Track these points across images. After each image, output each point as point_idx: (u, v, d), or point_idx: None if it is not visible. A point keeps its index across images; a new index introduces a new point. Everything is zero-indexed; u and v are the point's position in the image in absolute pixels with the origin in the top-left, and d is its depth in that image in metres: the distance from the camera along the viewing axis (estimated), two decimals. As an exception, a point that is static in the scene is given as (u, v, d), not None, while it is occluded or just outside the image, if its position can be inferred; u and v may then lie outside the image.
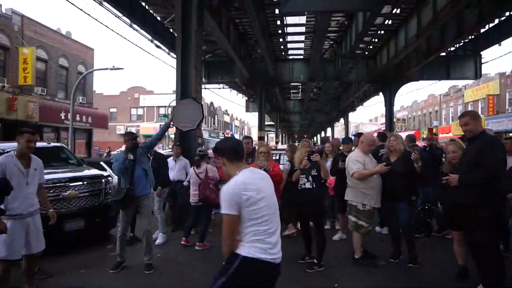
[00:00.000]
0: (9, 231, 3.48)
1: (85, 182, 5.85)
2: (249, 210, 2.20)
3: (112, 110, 38.73)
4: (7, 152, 3.97)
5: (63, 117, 18.62)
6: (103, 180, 6.10)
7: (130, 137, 4.89)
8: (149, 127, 39.08)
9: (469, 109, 32.04)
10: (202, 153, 6.07)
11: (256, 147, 5.88)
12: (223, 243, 2.26)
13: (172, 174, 6.78)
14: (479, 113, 30.02)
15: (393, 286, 4.15)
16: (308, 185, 4.71)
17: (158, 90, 42.01)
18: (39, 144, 7.62)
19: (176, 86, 7.72)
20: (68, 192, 5.38)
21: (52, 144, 7.41)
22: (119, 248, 4.78)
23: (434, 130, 28.02)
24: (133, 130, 39.64)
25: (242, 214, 2.20)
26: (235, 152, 2.40)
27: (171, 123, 5.37)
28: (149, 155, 5.53)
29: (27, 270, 3.89)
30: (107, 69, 14.70)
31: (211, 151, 7.86)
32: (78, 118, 18.99)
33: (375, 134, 6.94)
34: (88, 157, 21.14)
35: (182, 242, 5.85)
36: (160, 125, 38.21)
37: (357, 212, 4.74)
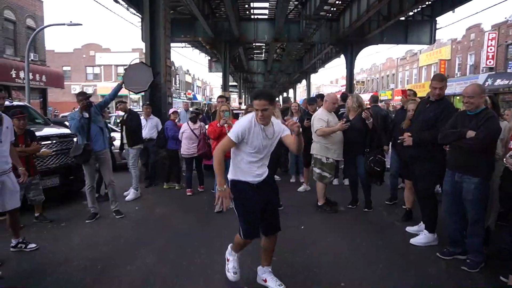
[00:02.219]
0: None
1: (57, 141, 5.89)
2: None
3: (65, 68, 36.41)
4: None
5: (13, 75, 17.45)
6: (74, 139, 6.13)
7: (84, 97, 5.12)
8: (107, 87, 37.28)
9: (423, 73, 33.73)
10: (197, 111, 6.39)
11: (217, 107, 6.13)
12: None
13: (144, 133, 6.92)
14: (431, 77, 31.76)
15: (351, 227, 4.78)
16: None
17: (115, 48, 39.80)
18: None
19: (145, 46, 7.59)
20: (41, 150, 5.38)
21: (15, 103, 7.18)
22: (90, 200, 5.17)
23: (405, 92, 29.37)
24: (90, 89, 37.76)
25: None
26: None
27: (123, 84, 5.59)
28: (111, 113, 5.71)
29: (11, 224, 4.00)
30: (64, 24, 13.75)
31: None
32: (31, 76, 17.86)
33: (338, 95, 7.42)
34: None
35: (188, 193, 6.41)
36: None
37: (321, 165, 5.27)
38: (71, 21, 13.61)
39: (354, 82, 30.51)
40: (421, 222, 4.38)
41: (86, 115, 4.98)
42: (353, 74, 22.46)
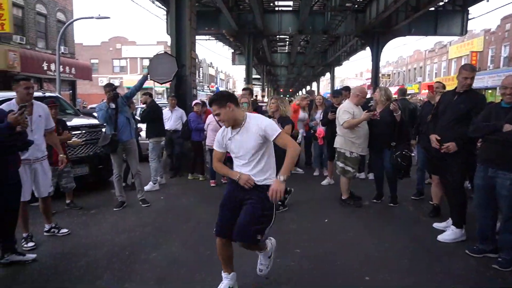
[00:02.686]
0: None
1: (86, 131, 6.08)
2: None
3: (93, 61, 37.34)
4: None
5: (45, 68, 18.08)
6: (102, 130, 6.30)
7: (110, 88, 5.26)
8: (133, 79, 38.08)
9: (452, 65, 32.54)
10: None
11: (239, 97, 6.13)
12: (291, 145, 2.68)
13: (169, 124, 7.04)
14: (462, 69, 30.55)
15: (375, 221, 4.71)
16: None
17: (141, 41, 40.54)
18: (37, 94, 7.69)
19: (171, 38, 7.69)
20: (72, 139, 5.56)
21: (48, 94, 7.44)
22: (118, 189, 5.31)
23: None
24: (116, 82, 38.71)
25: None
26: (237, 100, 2.89)
27: (148, 76, 5.68)
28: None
29: (44, 210, 4.18)
30: (92, 17, 14.12)
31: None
32: (61, 69, 18.46)
33: (366, 88, 7.29)
34: (74, 109, 20.87)
35: (212, 185, 6.49)
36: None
37: (345, 159, 5.19)
38: (99, 15, 13.94)
39: (380, 75, 29.82)
40: (450, 219, 4.26)
41: (113, 105, 5.12)
42: (378, 67, 21.95)
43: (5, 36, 15.96)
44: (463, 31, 19.49)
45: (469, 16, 19.04)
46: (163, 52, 6.18)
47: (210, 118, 6.49)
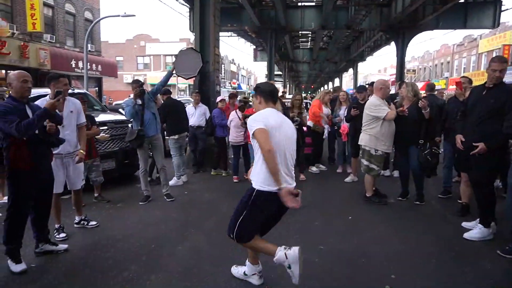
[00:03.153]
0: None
1: (113, 126, 6.24)
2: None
3: (118, 58, 38.27)
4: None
5: (73, 65, 18.68)
6: (129, 125, 6.45)
7: (137, 85, 5.37)
8: (156, 76, 38.83)
9: (482, 60, 31.31)
10: (245, 100, 6.52)
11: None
12: (267, 155, 2.53)
13: (193, 120, 7.13)
14: (492, 64, 29.35)
15: (401, 219, 4.62)
16: None
17: (164, 38, 41.21)
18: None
19: (195, 34, 7.77)
20: (99, 134, 5.72)
21: (77, 90, 7.68)
22: (144, 183, 5.42)
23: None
24: (140, 79, 39.51)
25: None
26: (273, 95, 2.84)
27: (174, 71, 5.75)
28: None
29: (75, 202, 4.34)
30: (118, 16, 14.45)
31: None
32: (88, 66, 19.02)
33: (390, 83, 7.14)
34: (100, 105, 21.46)
35: (235, 180, 6.58)
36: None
37: (370, 157, 5.09)
38: (125, 13, 14.24)
39: (405, 70, 29.09)
40: (479, 218, 4.13)
41: (140, 102, 5.24)
42: (404, 62, 21.43)
43: (37, 35, 16.59)
44: (495, 24, 18.68)
45: (502, 8, 18.24)
46: (188, 47, 6.23)
47: (233, 115, 6.54)
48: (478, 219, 4.09)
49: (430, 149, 4.78)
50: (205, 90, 7.69)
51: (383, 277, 3.13)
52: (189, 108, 7.23)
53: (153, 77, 38.91)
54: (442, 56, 39.87)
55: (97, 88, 22.11)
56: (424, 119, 4.86)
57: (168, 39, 39.72)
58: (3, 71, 15.52)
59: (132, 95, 5.37)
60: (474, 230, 3.92)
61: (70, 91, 7.33)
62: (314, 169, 7.27)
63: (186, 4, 16.40)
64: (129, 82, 39.44)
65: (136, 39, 40.18)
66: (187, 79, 6.48)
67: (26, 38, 15.93)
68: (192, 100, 7.48)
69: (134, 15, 14.19)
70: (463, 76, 5.84)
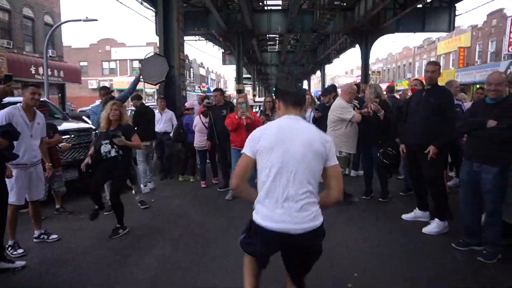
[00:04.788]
0: (15, 179, 3.73)
1: (75, 135, 6.04)
2: (259, 158, 2.07)
3: (82, 63, 37.01)
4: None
5: (33, 72, 17.90)
6: (92, 133, 6.27)
7: (105, 91, 5.30)
8: (123, 81, 37.86)
9: (441, 61, 32.90)
10: (209, 105, 6.44)
11: (235, 99, 6.15)
12: (232, 176, 2.43)
13: (159, 127, 7.03)
14: (450, 65, 30.93)
15: (365, 218, 4.76)
16: (113, 153, 4.23)
17: (130, 42, 40.33)
18: (21, 99, 7.61)
19: (159, 40, 7.66)
20: (61, 143, 5.52)
21: (35, 98, 7.38)
22: (108, 192, 5.19)
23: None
24: (106, 84, 38.45)
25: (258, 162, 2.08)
26: (295, 98, 2.18)
27: (141, 78, 5.70)
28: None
29: (34, 215, 4.15)
30: (80, 20, 14.00)
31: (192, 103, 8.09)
32: (49, 72, 18.30)
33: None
34: (64, 112, 20.67)
35: (203, 186, 6.51)
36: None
37: (335, 158, 5.22)
38: (86, 17, 13.83)
39: (370, 72, 30.06)
40: (416, 209, 4.53)
41: None
42: (368, 64, 22.12)
43: (-9, 41, 15.79)
44: (450, 27, 19.72)
45: (456, 13, 19.27)
46: (153, 53, 6.18)
47: (197, 119, 6.51)
48: (416, 210, 4.51)
49: (385, 150, 4.98)
50: (170, 95, 7.60)
51: (346, 277, 3.22)
52: (155, 114, 7.12)
53: (120, 82, 37.91)
54: (404, 58, 41.50)
55: (59, 95, 21.29)
56: (381, 121, 5.06)
57: (134, 43, 38.82)
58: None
59: (98, 101, 5.24)
60: (432, 225, 4.13)
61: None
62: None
63: (151, 8, 16.15)
64: (95, 87, 38.33)
65: (101, 43, 39.03)
66: (155, 84, 6.45)
67: (-20, 44, 15.12)
68: (158, 106, 7.36)
69: (96, 20, 13.81)
70: (415, 79, 6.15)
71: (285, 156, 2.01)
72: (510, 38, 22.88)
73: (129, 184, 6.37)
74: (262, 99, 23.37)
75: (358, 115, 5.08)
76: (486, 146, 3.36)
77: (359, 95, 6.80)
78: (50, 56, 19.36)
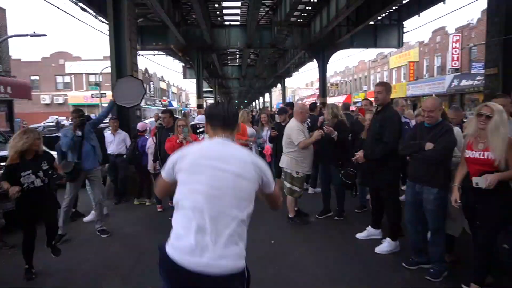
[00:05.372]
0: None
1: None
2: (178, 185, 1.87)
3: (33, 78, 35.23)
4: None
5: (-25, 88, 16.72)
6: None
7: (78, 114, 5.08)
8: (79, 96, 36.49)
9: (393, 74, 34.73)
10: (161, 126, 6.22)
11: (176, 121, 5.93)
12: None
13: (112, 148, 6.75)
14: (402, 78, 32.66)
15: (321, 238, 4.81)
16: (38, 183, 3.85)
17: (86, 56, 38.95)
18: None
19: (111, 59, 7.43)
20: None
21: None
22: (63, 221, 4.91)
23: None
24: (60, 99, 36.78)
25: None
26: (222, 121, 1.96)
27: (114, 101, 5.50)
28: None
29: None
30: (27, 35, 13.31)
31: (147, 122, 7.87)
32: (-5, 88, 17.17)
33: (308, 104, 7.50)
34: (11, 131, 19.41)
35: (159, 210, 6.27)
36: (91, 95, 35.73)
37: (291, 179, 5.24)
38: (34, 32, 13.19)
39: (328, 85, 31.06)
40: (369, 226, 4.67)
41: (79, 133, 4.96)
42: (325, 77, 22.84)
43: None
44: (399, 43, 20.88)
45: (404, 30, 20.48)
46: (128, 75, 5.91)
47: (149, 142, 6.32)
48: (369, 228, 4.65)
49: (346, 171, 5.08)
50: (124, 115, 7.35)
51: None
52: (108, 136, 6.84)
53: (75, 97, 36.46)
54: (360, 71, 43.34)
55: (5, 112, 19.99)
56: (337, 142, 5.17)
57: (90, 57, 37.56)
58: None
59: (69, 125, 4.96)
60: (384, 244, 4.24)
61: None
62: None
63: (106, 22, 15.71)
64: (48, 103, 36.50)
65: (54, 57, 37.37)
66: (129, 107, 6.17)
67: None
68: (110, 126, 7.08)
69: (45, 35, 13.20)
70: (365, 99, 6.40)
71: (210, 186, 1.77)
72: (452, 53, 24.62)
73: (79, 211, 6.12)
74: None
75: (303, 143, 5.07)
76: (425, 168, 3.51)
77: (323, 111, 6.90)
78: (-5, 71, 18.21)
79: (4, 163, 5.35)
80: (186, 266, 1.67)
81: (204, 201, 1.75)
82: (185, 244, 1.71)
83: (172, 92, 62.27)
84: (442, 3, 16.00)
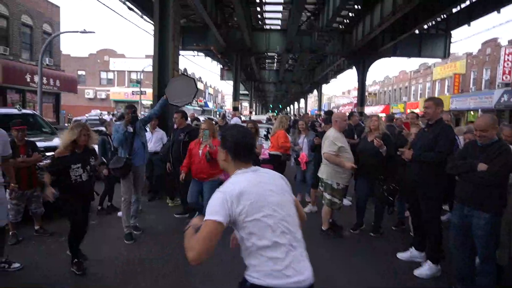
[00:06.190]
0: None
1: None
2: (247, 222, 1.72)
3: (80, 72, 37.11)
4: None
5: (28, 79, 17.76)
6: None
7: (131, 110, 5.04)
8: (120, 92, 37.97)
9: (437, 86, 33.30)
10: (197, 127, 6.24)
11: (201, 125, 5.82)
12: (189, 249, 1.69)
13: (149, 146, 6.85)
14: (445, 91, 31.28)
15: (355, 254, 4.60)
16: (85, 177, 3.95)
17: (129, 54, 40.52)
18: (9, 111, 7.45)
19: (154, 58, 7.62)
20: (44, 161, 5.33)
21: (23, 111, 7.23)
22: (126, 217, 4.94)
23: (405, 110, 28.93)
24: (103, 94, 38.44)
25: (236, 227, 1.78)
26: (244, 148, 1.87)
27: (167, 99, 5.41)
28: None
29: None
30: (77, 31, 14.00)
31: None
32: (45, 81, 18.16)
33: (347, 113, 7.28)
34: (57, 122, 20.46)
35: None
36: (132, 92, 37.10)
37: (332, 190, 5.02)
38: (84, 29, 13.83)
39: (366, 94, 30.31)
40: (412, 248, 4.33)
41: (131, 129, 4.94)
42: (364, 86, 22.33)
43: (-13, 47, 15.69)
44: (445, 54, 20.03)
45: (452, 40, 19.61)
46: (180, 74, 5.87)
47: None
48: (412, 250, 4.31)
49: (389, 186, 4.84)
50: (163, 114, 7.45)
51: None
52: (146, 134, 6.96)
53: (116, 93, 37.97)
54: (400, 81, 41.97)
55: (53, 104, 21.12)
56: (383, 156, 4.95)
57: (133, 55, 39.00)
58: None
59: (95, 112, 5.06)
60: (424, 267, 3.97)
61: (16, 111, 6.94)
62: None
63: (150, 21, 16.22)
64: (91, 97, 38.25)
65: (100, 53, 39.16)
66: (181, 106, 6.22)
67: (-25, 50, 15.00)
68: (149, 125, 7.21)
69: (93, 32, 13.80)
70: (411, 112, 6.09)
71: (275, 208, 1.78)
72: (504, 67, 23.23)
73: (114, 205, 6.27)
74: (261, 116, 23.26)
75: (328, 156, 4.89)
76: (477, 190, 3.25)
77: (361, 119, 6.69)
78: (47, 65, 19.30)
79: (51, 153, 5.61)
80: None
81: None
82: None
83: (209, 93, 63.32)
84: (496, 12, 15.07)
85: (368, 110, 31.89)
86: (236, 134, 1.89)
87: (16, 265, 3.94)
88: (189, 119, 8.26)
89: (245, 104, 47.33)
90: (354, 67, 22.26)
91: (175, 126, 6.19)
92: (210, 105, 59.58)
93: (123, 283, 3.69)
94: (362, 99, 21.92)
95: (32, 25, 19.05)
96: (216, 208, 1.70)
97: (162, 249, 4.62)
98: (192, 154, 5.21)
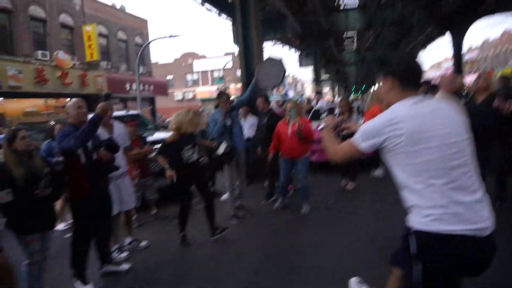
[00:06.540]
0: None
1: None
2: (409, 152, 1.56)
3: (168, 77, 40.17)
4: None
5: (127, 88, 19.85)
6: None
7: (226, 98, 5.08)
8: (205, 91, 40.15)
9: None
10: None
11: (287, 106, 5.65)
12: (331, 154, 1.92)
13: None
14: None
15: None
16: (195, 157, 4.35)
17: (210, 54, 42.54)
18: (120, 113, 8.33)
19: (239, 49, 7.82)
20: (154, 153, 5.83)
21: (131, 112, 8.05)
22: (231, 199, 5.29)
23: None
24: (190, 95, 41.07)
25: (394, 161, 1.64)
26: (419, 75, 1.70)
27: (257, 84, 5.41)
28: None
29: (125, 223, 4.39)
30: (165, 37, 15.19)
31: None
32: (141, 87, 20.09)
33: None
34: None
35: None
36: (217, 88, 39.10)
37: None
38: (171, 34, 14.86)
39: (463, 61, 27.14)
40: None
41: (229, 122, 5.08)
42: (460, 54, 20.04)
43: (94, 63, 17.88)
44: None
45: None
46: (267, 58, 5.76)
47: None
48: None
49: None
50: (253, 101, 7.63)
51: None
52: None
53: (202, 92, 40.25)
54: (504, 43, 36.66)
55: (151, 107, 23.25)
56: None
57: (213, 55, 40.91)
58: (67, 99, 16.89)
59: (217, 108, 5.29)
60: None
61: (124, 113, 7.76)
62: (377, 172, 6.93)
63: (228, 18, 16.75)
64: (179, 99, 41.16)
65: (184, 57, 41.90)
66: (272, 88, 6.37)
67: (85, 67, 17.21)
68: (241, 112, 7.42)
69: (179, 35, 14.81)
70: None
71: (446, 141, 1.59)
72: None
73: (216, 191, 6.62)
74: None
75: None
76: None
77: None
78: (141, 73, 21.33)
79: (159, 145, 6.13)
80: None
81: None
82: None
83: (288, 83, 63.33)
84: None
85: (466, 80, 28.58)
86: (406, 57, 1.80)
87: (144, 243, 4.42)
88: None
89: (325, 89, 46.23)
90: (447, 34, 20.09)
91: (259, 110, 6.24)
92: (291, 94, 59.54)
93: (237, 260, 3.87)
94: (459, 68, 19.70)
95: (126, 39, 21.19)
96: (368, 135, 1.71)
97: (265, 228, 4.74)
98: (280, 134, 5.23)
